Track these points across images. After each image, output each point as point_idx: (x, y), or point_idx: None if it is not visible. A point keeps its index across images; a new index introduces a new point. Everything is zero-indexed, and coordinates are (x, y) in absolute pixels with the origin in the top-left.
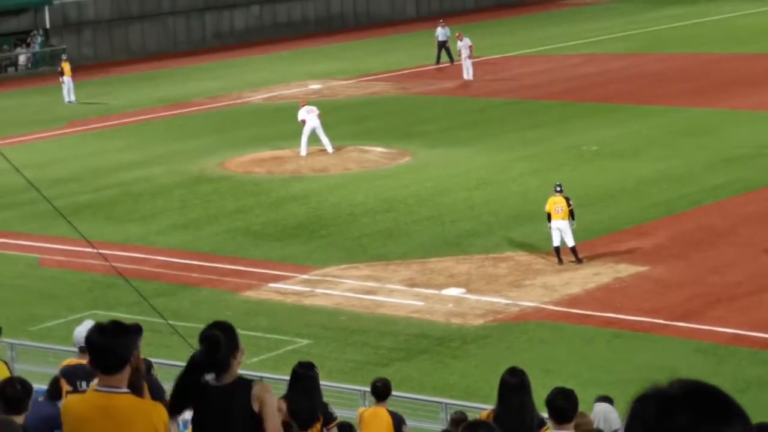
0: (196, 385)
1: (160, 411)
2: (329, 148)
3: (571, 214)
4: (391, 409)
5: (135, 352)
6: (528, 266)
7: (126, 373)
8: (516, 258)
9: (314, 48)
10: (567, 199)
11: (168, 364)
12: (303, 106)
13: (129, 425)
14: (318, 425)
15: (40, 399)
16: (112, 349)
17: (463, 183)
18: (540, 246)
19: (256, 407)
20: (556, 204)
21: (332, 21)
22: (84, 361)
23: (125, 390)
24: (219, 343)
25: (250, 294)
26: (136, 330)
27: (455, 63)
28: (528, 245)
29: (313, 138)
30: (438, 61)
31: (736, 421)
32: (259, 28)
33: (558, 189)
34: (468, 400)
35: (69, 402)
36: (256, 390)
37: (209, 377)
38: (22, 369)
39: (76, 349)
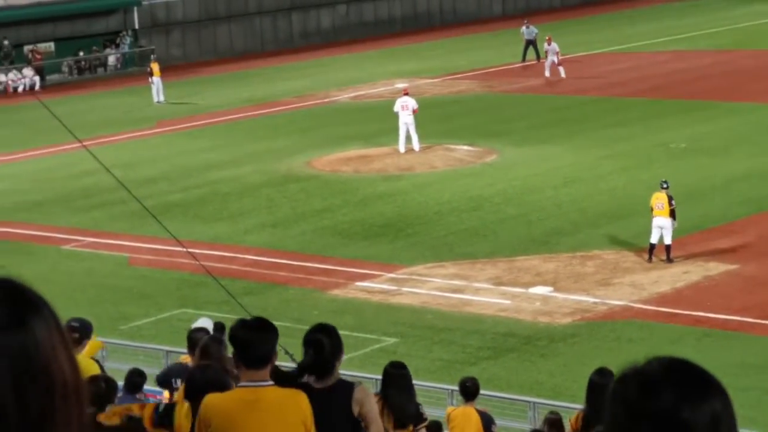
0: (297, 387)
1: (306, 399)
2: (416, 147)
3: (672, 214)
4: (479, 408)
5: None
6: (616, 264)
7: (269, 368)
8: (604, 256)
9: (400, 47)
10: (670, 198)
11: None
12: (404, 95)
13: (282, 415)
14: (410, 426)
15: (120, 394)
16: (256, 343)
17: (550, 181)
18: (628, 244)
19: (356, 411)
20: (657, 200)
21: (418, 19)
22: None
23: (270, 383)
24: (323, 346)
25: (337, 292)
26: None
27: (541, 60)
28: (616, 243)
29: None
30: (524, 59)
31: (717, 396)
32: (346, 27)
33: (664, 186)
34: (556, 399)
35: (211, 401)
36: (357, 394)
37: (310, 379)
38: (112, 367)
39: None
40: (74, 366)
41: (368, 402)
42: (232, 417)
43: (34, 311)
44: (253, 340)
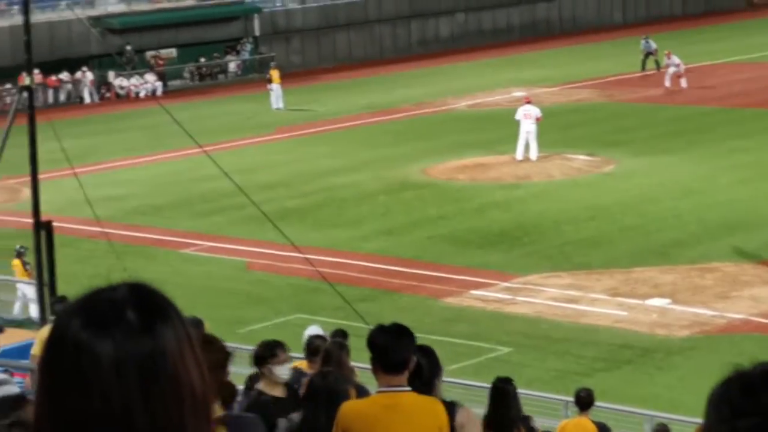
0: None
1: (442, 407)
2: (533, 156)
3: None
4: (594, 419)
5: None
6: (735, 277)
7: (406, 373)
8: (723, 269)
9: (519, 55)
10: None
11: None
12: (526, 103)
13: (418, 420)
14: None
15: (239, 399)
16: (395, 348)
17: (669, 191)
18: (748, 257)
19: None
20: None
21: (537, 27)
22: (304, 364)
23: (408, 388)
24: (422, 367)
25: (451, 300)
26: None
27: (661, 70)
28: (736, 256)
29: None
30: (643, 68)
31: None
32: (464, 35)
33: None
34: (673, 413)
35: (350, 407)
36: (459, 417)
37: None
38: (230, 371)
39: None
40: (203, 377)
41: (470, 427)
42: (372, 422)
43: (164, 318)
44: (392, 345)
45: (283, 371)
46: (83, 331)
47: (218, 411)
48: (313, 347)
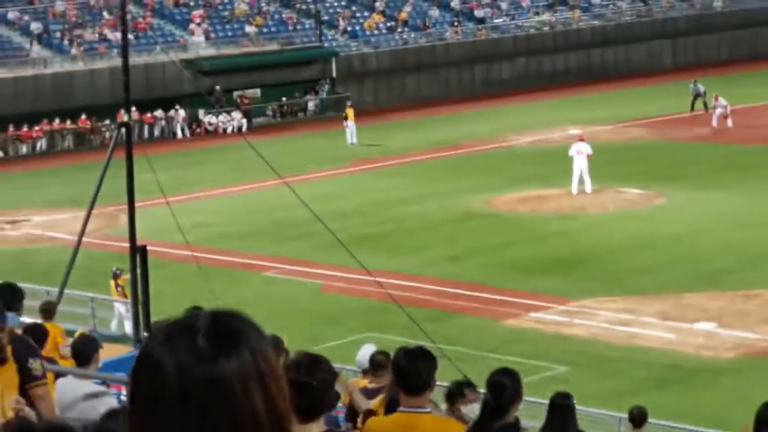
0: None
1: (459, 427)
2: (588, 189)
3: None
4: None
5: None
6: None
7: (428, 394)
8: (766, 295)
9: (575, 96)
10: None
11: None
12: (579, 140)
13: None
14: None
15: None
16: (416, 371)
17: (717, 224)
18: None
19: None
20: None
21: (593, 71)
22: (365, 381)
23: (428, 410)
24: (505, 388)
25: (513, 322)
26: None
27: (709, 111)
28: None
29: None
30: (692, 109)
31: None
32: (525, 77)
33: None
34: (718, 429)
35: (372, 423)
36: None
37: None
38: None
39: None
40: (272, 406)
41: None
42: None
43: (232, 349)
44: (413, 368)
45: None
46: (158, 348)
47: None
48: (376, 362)
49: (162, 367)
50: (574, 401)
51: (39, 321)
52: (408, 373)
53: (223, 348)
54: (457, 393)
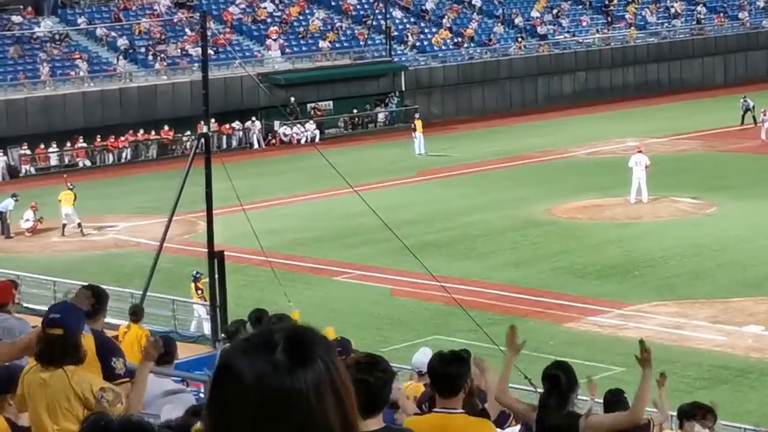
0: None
1: (492, 428)
2: (644, 198)
3: None
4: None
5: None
6: None
7: (461, 396)
8: None
9: (632, 110)
10: None
11: None
12: (638, 152)
13: None
14: None
15: None
16: (449, 375)
17: (765, 232)
18: None
19: None
20: None
21: (649, 86)
22: (421, 384)
23: (460, 411)
24: (559, 380)
25: (571, 325)
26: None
27: (758, 125)
28: None
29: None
30: (742, 123)
31: None
32: (584, 91)
33: None
34: (765, 426)
35: (410, 421)
36: (583, 424)
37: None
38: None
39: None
40: (344, 415)
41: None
42: None
43: (308, 363)
44: (446, 371)
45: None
46: (238, 359)
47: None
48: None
49: (242, 378)
50: (625, 396)
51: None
52: (441, 376)
53: (299, 361)
54: (690, 414)
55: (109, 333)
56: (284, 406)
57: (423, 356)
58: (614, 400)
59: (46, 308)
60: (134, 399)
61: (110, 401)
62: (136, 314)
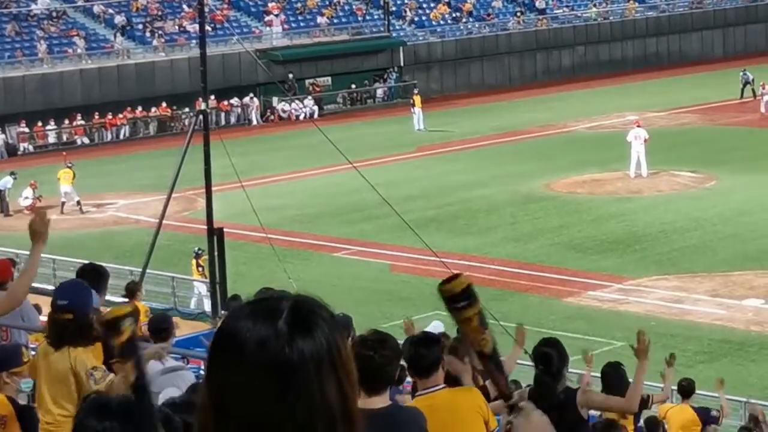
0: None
1: (478, 393)
2: (644, 172)
3: None
4: (696, 405)
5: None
6: None
7: (440, 373)
8: None
9: (631, 84)
10: None
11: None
12: (636, 126)
13: (457, 412)
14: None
15: None
16: (421, 356)
17: (765, 205)
18: None
19: (583, 413)
20: None
21: (648, 60)
22: None
23: (442, 386)
24: (552, 358)
25: (571, 300)
26: (438, 340)
27: (757, 98)
28: None
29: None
30: (742, 96)
31: None
32: (583, 65)
33: None
34: (766, 399)
35: None
36: (579, 398)
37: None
38: None
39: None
40: (344, 397)
41: (592, 397)
42: None
43: (308, 336)
44: (418, 353)
45: None
46: (241, 325)
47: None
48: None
49: (243, 342)
50: (623, 368)
51: (126, 300)
52: (413, 358)
53: (299, 332)
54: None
55: None
56: (280, 377)
57: (434, 330)
58: (611, 372)
59: (44, 286)
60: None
61: (97, 379)
62: (131, 291)
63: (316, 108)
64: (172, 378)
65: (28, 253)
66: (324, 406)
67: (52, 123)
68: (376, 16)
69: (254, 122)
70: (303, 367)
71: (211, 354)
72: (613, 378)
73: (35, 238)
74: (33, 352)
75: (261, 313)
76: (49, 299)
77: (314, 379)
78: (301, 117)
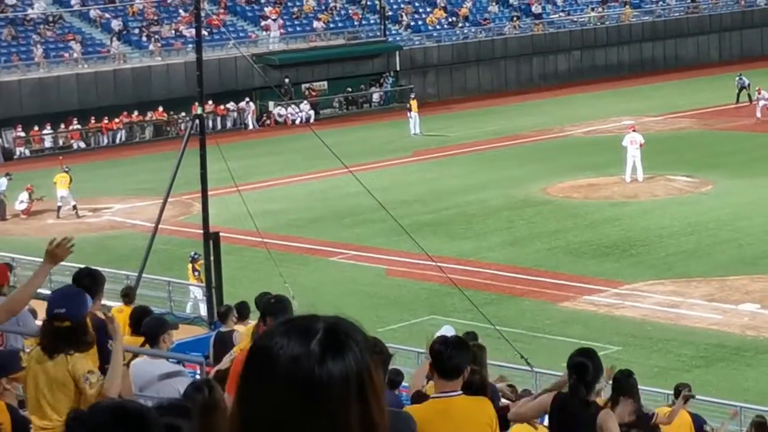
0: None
1: (490, 405)
2: (640, 177)
3: None
4: (692, 410)
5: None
6: None
7: (461, 380)
8: None
9: (628, 88)
10: None
11: (494, 364)
12: (631, 131)
13: (470, 420)
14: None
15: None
16: (450, 357)
17: (760, 210)
18: None
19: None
20: None
21: (644, 64)
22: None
23: (460, 393)
24: (587, 369)
25: (567, 305)
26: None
27: (753, 103)
28: None
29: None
30: (737, 101)
31: None
32: (580, 70)
33: None
34: (762, 405)
35: (410, 410)
36: (600, 418)
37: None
38: None
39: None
40: (368, 419)
41: (609, 426)
42: (427, 425)
43: (338, 355)
44: (448, 354)
45: None
46: (276, 341)
47: None
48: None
49: (276, 358)
50: (635, 378)
51: (121, 304)
52: (443, 358)
53: (331, 353)
54: None
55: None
56: (306, 395)
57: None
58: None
59: (39, 290)
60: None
61: (92, 383)
62: (127, 296)
63: (312, 112)
64: (172, 383)
65: (24, 257)
66: (346, 425)
67: (49, 127)
68: (372, 21)
69: (250, 126)
70: (330, 388)
71: (245, 366)
72: (626, 387)
73: (49, 260)
74: None
75: (296, 331)
76: (44, 303)
77: (339, 402)
78: (297, 121)
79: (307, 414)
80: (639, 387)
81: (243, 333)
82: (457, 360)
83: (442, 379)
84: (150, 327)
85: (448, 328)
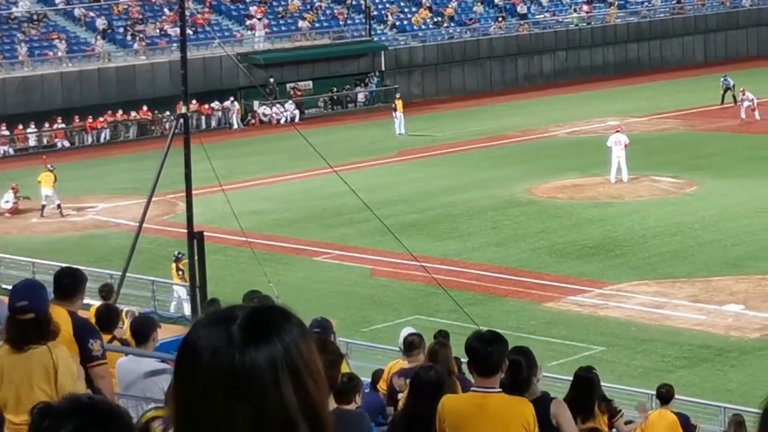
0: None
1: (529, 406)
2: (625, 178)
3: None
4: (676, 411)
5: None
6: None
7: (499, 376)
8: None
9: (612, 89)
10: None
11: None
12: (616, 131)
13: (506, 419)
14: (604, 417)
15: (366, 390)
16: (488, 354)
17: (744, 211)
18: None
19: (554, 422)
20: None
21: (629, 65)
22: (406, 362)
23: (498, 390)
24: (521, 366)
25: (552, 305)
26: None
27: (738, 104)
28: None
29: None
30: (722, 102)
31: None
32: (565, 71)
33: None
34: (745, 405)
35: (447, 401)
36: (553, 408)
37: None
38: (354, 365)
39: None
40: (307, 400)
41: (562, 413)
42: (463, 418)
43: (264, 342)
44: (485, 351)
45: None
46: (198, 334)
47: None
48: (408, 342)
49: (197, 352)
50: (595, 372)
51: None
52: (480, 355)
53: (252, 338)
54: None
55: (83, 314)
56: (230, 383)
57: (405, 334)
58: (584, 376)
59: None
60: None
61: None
62: (106, 293)
63: (297, 112)
64: (157, 381)
65: (7, 256)
66: (281, 410)
67: (33, 126)
68: (357, 21)
69: (235, 126)
70: (255, 373)
71: (175, 363)
72: (585, 382)
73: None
74: None
75: (216, 321)
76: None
77: (269, 385)
78: (282, 121)
79: (235, 401)
80: (623, 388)
81: None
82: (494, 357)
83: (480, 377)
84: (140, 326)
85: (408, 329)
